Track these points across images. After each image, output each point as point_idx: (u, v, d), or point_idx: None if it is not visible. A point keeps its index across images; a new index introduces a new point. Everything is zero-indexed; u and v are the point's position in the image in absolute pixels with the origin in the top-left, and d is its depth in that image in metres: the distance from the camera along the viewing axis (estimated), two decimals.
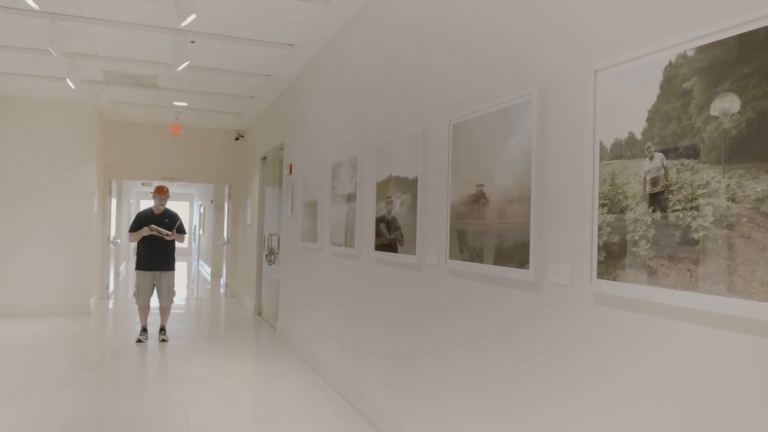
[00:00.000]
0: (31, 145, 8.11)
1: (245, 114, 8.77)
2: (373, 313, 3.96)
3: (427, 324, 3.19)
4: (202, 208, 19.75)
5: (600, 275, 1.97)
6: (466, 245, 2.79)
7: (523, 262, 2.37)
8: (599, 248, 1.98)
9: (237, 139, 10.22)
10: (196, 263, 20.59)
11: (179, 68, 5.04)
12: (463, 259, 2.82)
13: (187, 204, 24.59)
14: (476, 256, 2.70)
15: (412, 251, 3.33)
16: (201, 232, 19.95)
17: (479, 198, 2.70)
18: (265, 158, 8.45)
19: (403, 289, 3.50)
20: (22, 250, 8.05)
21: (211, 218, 15.96)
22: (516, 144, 2.45)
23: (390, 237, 3.65)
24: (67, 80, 5.76)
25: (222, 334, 7.06)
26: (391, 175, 3.69)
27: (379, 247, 3.82)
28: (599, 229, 1.98)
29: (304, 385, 4.80)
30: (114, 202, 10.42)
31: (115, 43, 5.45)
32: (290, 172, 6.53)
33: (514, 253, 2.42)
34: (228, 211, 10.95)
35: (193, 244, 22.91)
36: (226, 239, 11.03)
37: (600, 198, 1.98)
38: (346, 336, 4.52)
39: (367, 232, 4.12)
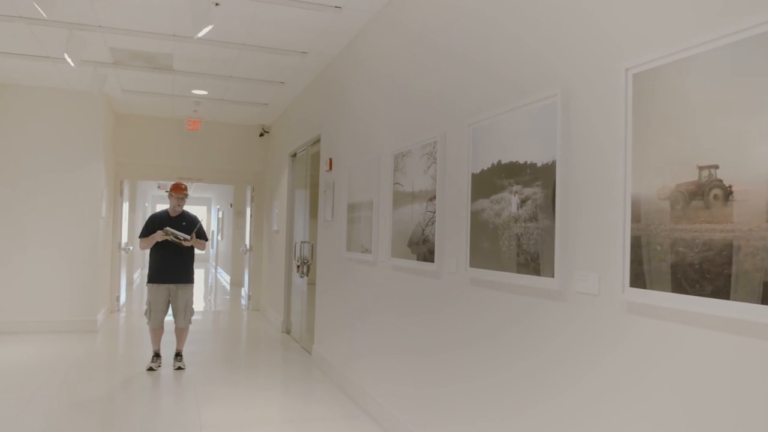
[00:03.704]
0: (31, 139, 7.14)
1: (272, 105, 7.74)
2: (464, 355, 2.87)
3: (571, 387, 2.10)
4: (220, 213, 18.83)
5: None
6: (673, 266, 1.69)
7: None
8: None
9: (261, 135, 9.20)
10: (213, 270, 19.67)
11: (200, 34, 4.01)
12: (663, 289, 1.72)
13: (204, 209, 23.71)
14: (698, 287, 1.60)
15: (546, 271, 2.25)
16: (219, 238, 19.02)
17: (708, 188, 1.60)
18: (294, 155, 7.41)
19: (525, 327, 2.41)
20: (19, 259, 7.06)
21: (230, 223, 14.99)
22: None
23: (499, 248, 2.57)
24: (65, 56, 4.77)
25: (247, 360, 6.00)
26: (499, 161, 2.60)
27: (479, 262, 2.74)
28: None
29: None
30: (126, 205, 9.45)
31: (122, 7, 4.44)
32: (330, 169, 5.47)
33: None
34: (250, 216, 9.93)
35: (211, 250, 22.00)
36: (248, 246, 10.01)
37: None
38: (416, 377, 3.43)
39: (454, 241, 3.03)
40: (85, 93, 7.23)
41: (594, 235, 2.04)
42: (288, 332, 7.46)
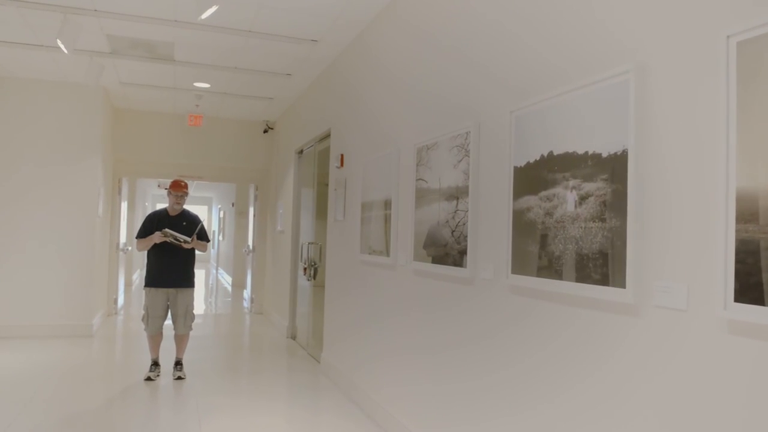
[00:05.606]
0: (23, 135, 6.78)
1: (278, 99, 7.40)
2: (499, 373, 2.53)
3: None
4: (222, 212, 18.50)
5: None
6: None
7: None
8: None
9: (266, 131, 8.86)
10: (215, 271, 19.33)
11: (204, 15, 3.68)
12: None
13: (205, 208, 23.36)
14: None
15: (615, 281, 1.90)
16: (221, 239, 18.68)
17: None
18: (301, 152, 7.07)
19: (584, 345, 2.07)
20: (10, 259, 6.70)
21: (232, 223, 14.66)
22: None
23: (551, 252, 2.22)
24: (58, 42, 4.43)
25: (251, 368, 5.66)
26: (550, 152, 2.26)
27: (523, 268, 2.40)
28: None
29: None
30: (125, 204, 9.11)
31: None
32: (341, 165, 5.13)
33: None
34: (253, 215, 9.58)
35: (212, 251, 21.66)
36: (251, 247, 9.66)
37: None
38: (439, 394, 3.09)
39: (491, 244, 2.69)
40: (80, 85, 6.89)
41: (679, 238, 1.70)
42: (293, 338, 7.12)
